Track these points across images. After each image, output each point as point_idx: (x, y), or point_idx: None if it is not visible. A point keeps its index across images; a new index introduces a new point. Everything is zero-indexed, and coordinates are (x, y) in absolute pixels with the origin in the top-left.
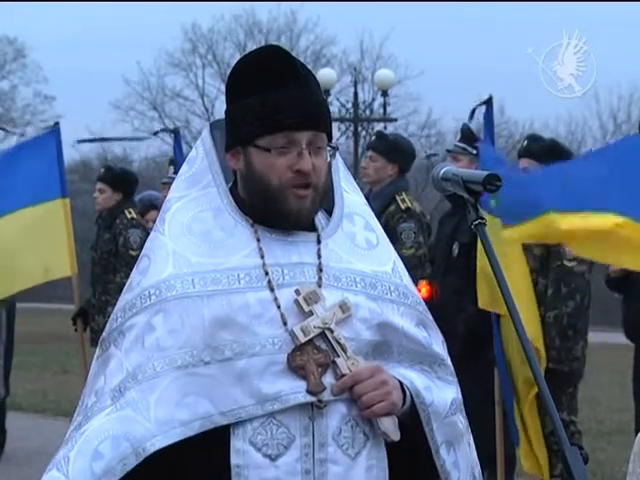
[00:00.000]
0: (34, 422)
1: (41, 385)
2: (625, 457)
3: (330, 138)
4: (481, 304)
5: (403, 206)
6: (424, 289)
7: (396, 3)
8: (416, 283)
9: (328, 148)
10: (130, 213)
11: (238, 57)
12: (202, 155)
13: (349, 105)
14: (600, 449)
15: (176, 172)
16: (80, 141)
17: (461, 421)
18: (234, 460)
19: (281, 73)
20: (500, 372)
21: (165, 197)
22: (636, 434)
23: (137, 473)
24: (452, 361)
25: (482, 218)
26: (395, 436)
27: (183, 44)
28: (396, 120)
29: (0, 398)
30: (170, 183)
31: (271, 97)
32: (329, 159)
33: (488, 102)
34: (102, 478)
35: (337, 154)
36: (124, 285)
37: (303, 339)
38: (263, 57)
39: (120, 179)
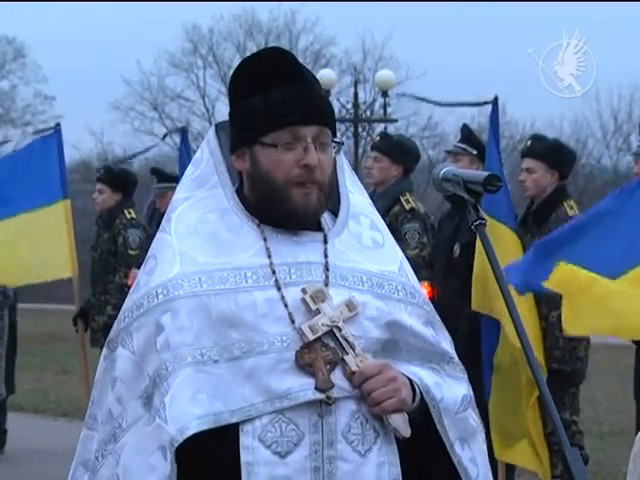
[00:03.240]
0: (34, 422)
1: (41, 385)
2: (625, 457)
3: (334, 135)
4: (474, 306)
5: (407, 207)
6: (425, 290)
7: (396, 4)
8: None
9: (333, 144)
10: (130, 213)
11: (238, 58)
12: (208, 156)
13: (349, 106)
14: (600, 449)
15: (160, 179)
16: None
17: (473, 418)
18: (244, 457)
19: (284, 72)
20: (485, 373)
21: (159, 207)
22: (636, 434)
23: None
24: None
25: (482, 218)
26: (406, 432)
27: (183, 44)
28: (396, 121)
29: (0, 399)
30: (161, 193)
31: (275, 95)
32: (334, 155)
33: (494, 103)
34: None
35: (342, 153)
36: (124, 285)
37: (311, 337)
38: (265, 58)
39: (119, 179)
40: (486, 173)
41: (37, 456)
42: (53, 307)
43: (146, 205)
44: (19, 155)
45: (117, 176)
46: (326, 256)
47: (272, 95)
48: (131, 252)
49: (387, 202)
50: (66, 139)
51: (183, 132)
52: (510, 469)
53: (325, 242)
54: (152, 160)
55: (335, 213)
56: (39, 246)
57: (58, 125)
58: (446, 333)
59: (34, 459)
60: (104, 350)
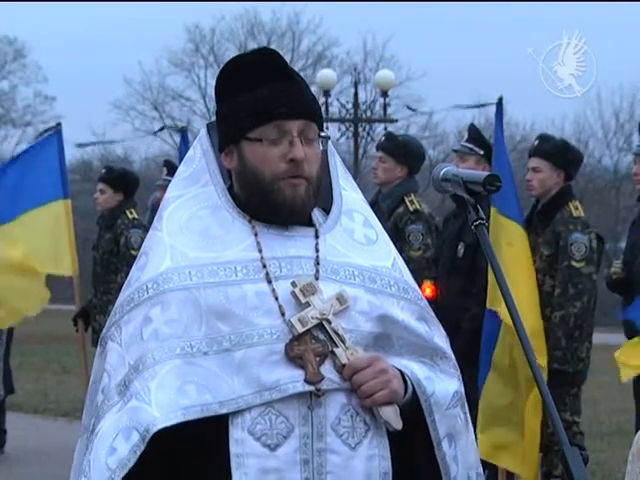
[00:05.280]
0: (34, 422)
1: (41, 385)
2: (625, 458)
3: (321, 129)
4: (489, 304)
5: (411, 208)
6: (429, 289)
7: (398, 4)
8: (422, 284)
9: (320, 139)
10: (131, 213)
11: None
12: (200, 155)
13: (349, 106)
14: (600, 450)
15: (170, 172)
16: (80, 145)
17: (460, 416)
18: (234, 449)
19: (269, 69)
20: (481, 370)
21: (160, 199)
22: (636, 434)
23: (142, 466)
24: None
25: (482, 218)
26: (397, 425)
27: (185, 44)
28: (397, 121)
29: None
30: (165, 185)
31: (260, 92)
32: (321, 148)
33: (498, 104)
34: (117, 471)
35: (335, 152)
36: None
37: (301, 329)
38: (251, 57)
39: (121, 179)
40: (486, 173)
41: (37, 456)
42: (53, 307)
43: (149, 206)
44: (20, 157)
45: (119, 176)
46: (317, 250)
47: (257, 92)
48: (133, 252)
49: (392, 203)
50: (67, 139)
51: (183, 132)
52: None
53: (316, 237)
54: (152, 160)
55: (328, 211)
56: (40, 246)
57: (59, 125)
58: (441, 329)
59: (34, 459)
60: (98, 348)
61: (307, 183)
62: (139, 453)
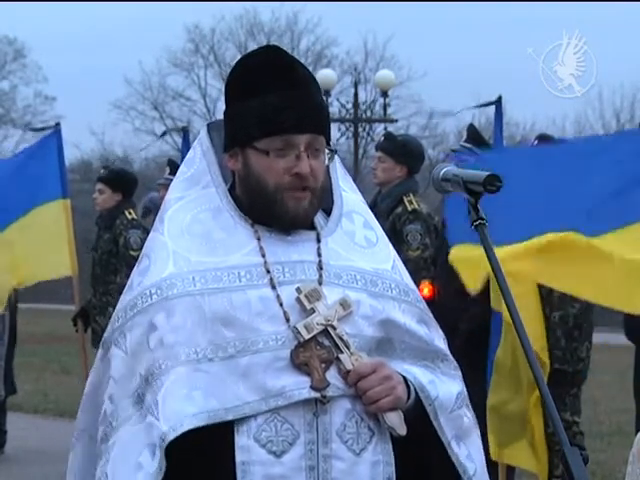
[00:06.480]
0: (34, 422)
1: (41, 385)
2: (625, 458)
3: (328, 140)
4: (493, 304)
5: (410, 208)
6: (427, 289)
7: (398, 4)
8: (420, 284)
9: (326, 151)
10: (130, 214)
11: (239, 58)
12: (200, 156)
13: (349, 106)
14: (600, 450)
15: (173, 171)
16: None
17: (467, 415)
18: (239, 457)
19: (280, 75)
20: (489, 372)
21: (162, 198)
22: (636, 434)
23: None
24: None
25: (483, 218)
26: (402, 430)
27: (185, 44)
28: (397, 121)
29: (0, 399)
30: (166, 184)
31: (270, 100)
32: (327, 162)
33: (497, 103)
34: None
35: (336, 155)
36: (125, 285)
37: (307, 336)
38: (262, 58)
39: (120, 179)
40: (486, 173)
41: (37, 456)
42: (53, 307)
43: (150, 206)
44: (19, 157)
45: (118, 176)
46: (319, 255)
47: (267, 100)
48: (132, 253)
49: (391, 202)
50: (67, 139)
51: (184, 132)
52: (510, 470)
53: (318, 241)
54: (152, 160)
55: (329, 212)
56: (39, 246)
57: (58, 125)
58: (440, 331)
59: (34, 459)
60: (99, 352)
61: (311, 195)
62: (164, 469)
